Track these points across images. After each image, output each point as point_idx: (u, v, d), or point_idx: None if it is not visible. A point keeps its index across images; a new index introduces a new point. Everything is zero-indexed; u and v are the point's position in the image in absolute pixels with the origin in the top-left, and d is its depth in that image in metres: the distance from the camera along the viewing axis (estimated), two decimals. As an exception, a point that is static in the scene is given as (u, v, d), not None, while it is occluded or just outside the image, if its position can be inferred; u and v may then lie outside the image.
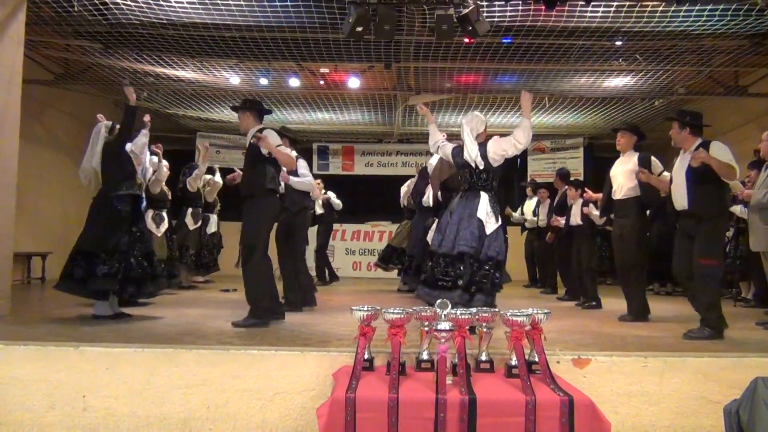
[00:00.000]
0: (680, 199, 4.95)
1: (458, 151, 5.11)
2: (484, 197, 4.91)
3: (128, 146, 5.77)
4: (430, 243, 6.90)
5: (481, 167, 4.97)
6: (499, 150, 4.96)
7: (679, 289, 6.38)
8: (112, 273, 5.19)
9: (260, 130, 5.28)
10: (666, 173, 5.73)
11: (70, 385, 3.67)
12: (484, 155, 4.96)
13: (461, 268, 4.72)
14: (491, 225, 4.83)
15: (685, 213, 4.93)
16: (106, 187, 5.42)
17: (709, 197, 4.84)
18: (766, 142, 5.74)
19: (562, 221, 7.97)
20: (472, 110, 5.44)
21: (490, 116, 10.84)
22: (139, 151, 5.83)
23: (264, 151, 5.12)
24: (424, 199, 8.06)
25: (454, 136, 5.71)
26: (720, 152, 4.78)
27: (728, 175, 4.76)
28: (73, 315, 5.37)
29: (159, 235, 7.66)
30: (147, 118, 6.17)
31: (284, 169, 6.15)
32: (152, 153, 7.33)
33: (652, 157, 6.06)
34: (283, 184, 6.53)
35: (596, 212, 7.11)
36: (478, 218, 4.82)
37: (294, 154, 6.88)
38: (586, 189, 7.33)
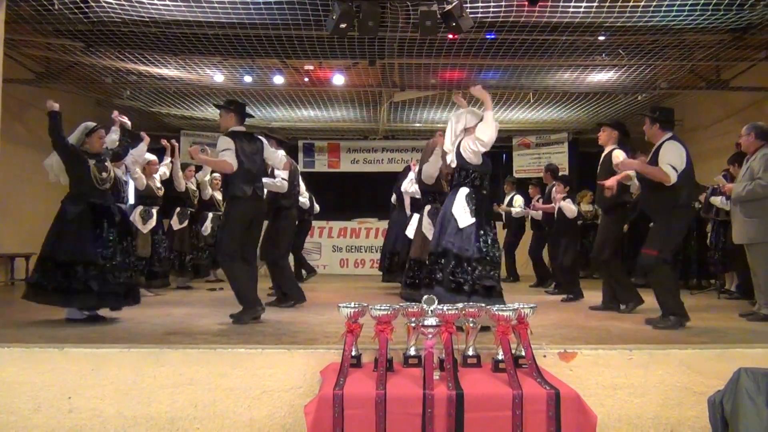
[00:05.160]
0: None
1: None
2: (461, 192, 4.86)
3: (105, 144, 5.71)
4: (411, 237, 6.97)
5: (457, 165, 4.96)
6: (468, 149, 4.88)
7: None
8: (63, 286, 5.04)
9: (232, 133, 5.35)
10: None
11: (56, 387, 3.64)
12: (458, 153, 4.94)
13: (443, 263, 4.74)
14: (463, 220, 4.75)
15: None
16: (68, 192, 5.36)
17: (657, 193, 4.94)
18: (746, 136, 5.80)
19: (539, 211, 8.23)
20: (457, 106, 5.42)
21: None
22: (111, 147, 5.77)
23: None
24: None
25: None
26: (663, 154, 4.91)
27: (658, 180, 4.86)
28: (58, 317, 5.32)
29: (144, 232, 7.59)
30: (116, 113, 6.14)
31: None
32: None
33: (615, 151, 6.12)
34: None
35: (573, 206, 7.23)
36: (452, 214, 4.81)
37: (282, 153, 6.89)
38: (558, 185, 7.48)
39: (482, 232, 4.78)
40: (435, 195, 6.55)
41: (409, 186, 7.81)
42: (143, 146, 7.16)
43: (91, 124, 5.48)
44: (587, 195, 10.14)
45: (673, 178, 4.83)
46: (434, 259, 4.84)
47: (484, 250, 4.73)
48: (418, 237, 6.47)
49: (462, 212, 4.76)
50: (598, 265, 6.30)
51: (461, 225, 4.72)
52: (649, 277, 5.12)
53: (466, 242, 4.71)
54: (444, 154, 5.35)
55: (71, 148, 5.29)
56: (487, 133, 4.80)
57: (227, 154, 5.23)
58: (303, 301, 6.50)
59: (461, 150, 4.92)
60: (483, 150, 4.87)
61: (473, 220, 4.75)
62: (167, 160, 8.28)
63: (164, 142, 8.34)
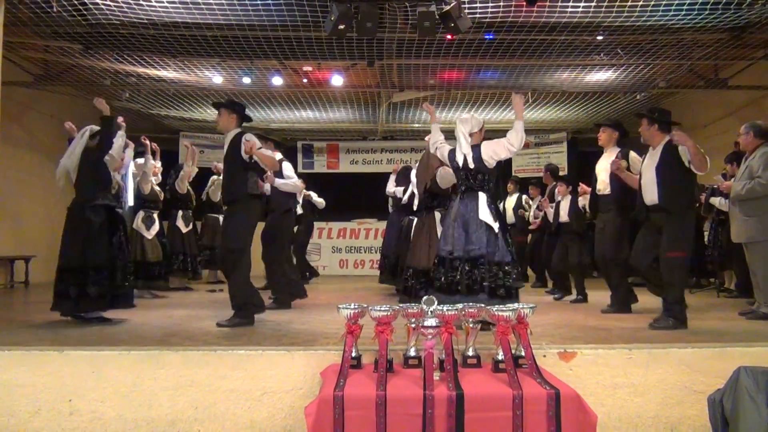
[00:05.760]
0: (650, 195, 5.05)
1: (453, 155, 5.12)
2: (483, 197, 4.92)
3: None
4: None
5: (475, 169, 4.98)
6: (493, 153, 4.96)
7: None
8: (103, 293, 5.13)
9: (240, 134, 5.27)
10: None
11: (56, 390, 3.64)
12: (477, 157, 4.97)
13: (479, 272, 4.72)
14: (494, 225, 4.83)
15: (655, 207, 5.03)
16: (80, 197, 5.34)
17: (678, 191, 4.93)
18: (744, 135, 5.81)
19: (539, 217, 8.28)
20: (456, 107, 5.45)
21: (473, 113, 10.87)
22: (117, 154, 5.75)
23: (245, 156, 5.12)
24: (400, 195, 8.10)
25: (448, 132, 5.67)
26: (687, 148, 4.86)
27: (701, 164, 4.83)
28: (58, 319, 5.32)
29: (149, 237, 7.59)
30: (121, 119, 6.10)
31: (269, 171, 6.17)
32: (138, 153, 7.29)
33: (632, 153, 6.09)
34: (268, 185, 6.53)
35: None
36: (482, 221, 4.83)
37: (279, 156, 6.88)
38: (580, 183, 7.38)
39: (507, 236, 4.91)
40: (443, 200, 6.46)
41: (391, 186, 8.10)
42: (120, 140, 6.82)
43: (95, 127, 5.51)
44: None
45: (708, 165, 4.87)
46: (456, 265, 4.80)
47: (513, 252, 4.85)
48: (424, 246, 6.18)
49: (491, 218, 4.84)
50: (605, 265, 6.24)
51: (496, 230, 4.81)
52: (665, 281, 4.97)
53: (496, 246, 4.78)
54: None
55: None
56: (517, 139, 4.93)
57: (265, 149, 5.21)
58: (287, 307, 6.42)
59: (484, 155, 4.97)
60: (510, 155, 5.07)
61: (498, 224, 4.86)
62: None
63: (154, 144, 8.32)
